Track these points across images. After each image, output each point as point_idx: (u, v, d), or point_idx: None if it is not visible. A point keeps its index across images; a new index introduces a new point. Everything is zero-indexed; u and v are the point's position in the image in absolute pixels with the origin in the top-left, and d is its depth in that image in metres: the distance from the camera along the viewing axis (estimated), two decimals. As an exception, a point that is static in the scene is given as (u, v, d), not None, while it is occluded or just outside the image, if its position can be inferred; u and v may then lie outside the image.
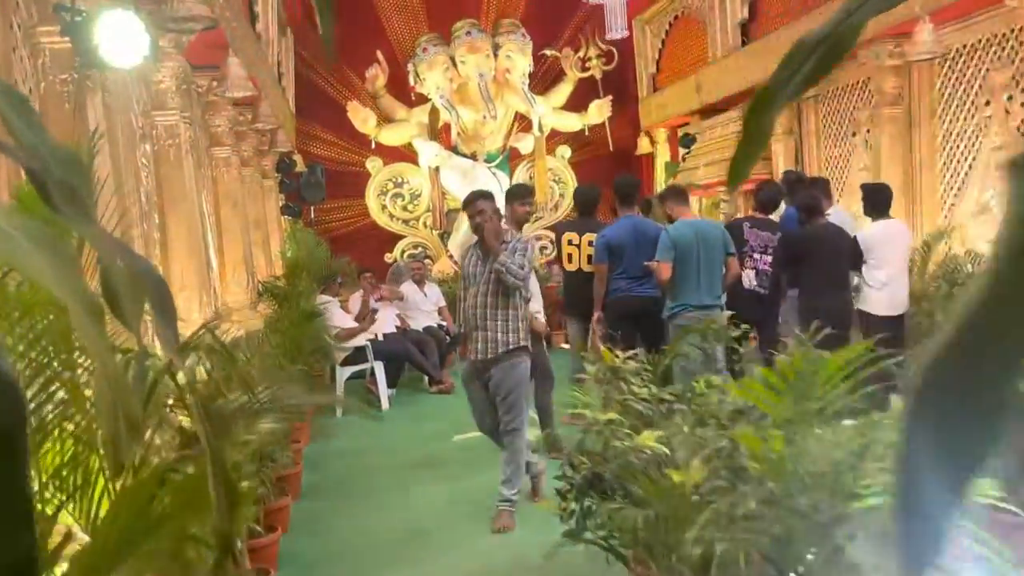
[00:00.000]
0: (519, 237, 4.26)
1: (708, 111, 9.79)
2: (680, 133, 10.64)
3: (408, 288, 8.62)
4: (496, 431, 4.50)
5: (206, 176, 6.59)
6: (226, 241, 6.58)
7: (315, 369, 7.74)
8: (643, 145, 11.50)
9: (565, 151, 11.71)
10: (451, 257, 11.26)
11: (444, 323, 8.58)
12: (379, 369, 7.15)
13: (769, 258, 5.81)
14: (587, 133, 11.58)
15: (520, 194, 5.39)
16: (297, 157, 10.81)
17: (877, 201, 5.61)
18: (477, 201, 4.28)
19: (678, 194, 5.65)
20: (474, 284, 4.22)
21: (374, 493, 5.08)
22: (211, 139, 6.57)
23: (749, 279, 5.81)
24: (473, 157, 11.43)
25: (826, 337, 5.19)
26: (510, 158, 11.67)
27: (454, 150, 11.44)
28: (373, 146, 11.27)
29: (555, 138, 11.88)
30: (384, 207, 11.42)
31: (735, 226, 5.81)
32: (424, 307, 8.60)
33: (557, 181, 11.66)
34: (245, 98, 6.53)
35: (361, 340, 7.14)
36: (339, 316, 7.15)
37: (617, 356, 2.48)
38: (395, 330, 7.90)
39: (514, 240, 4.22)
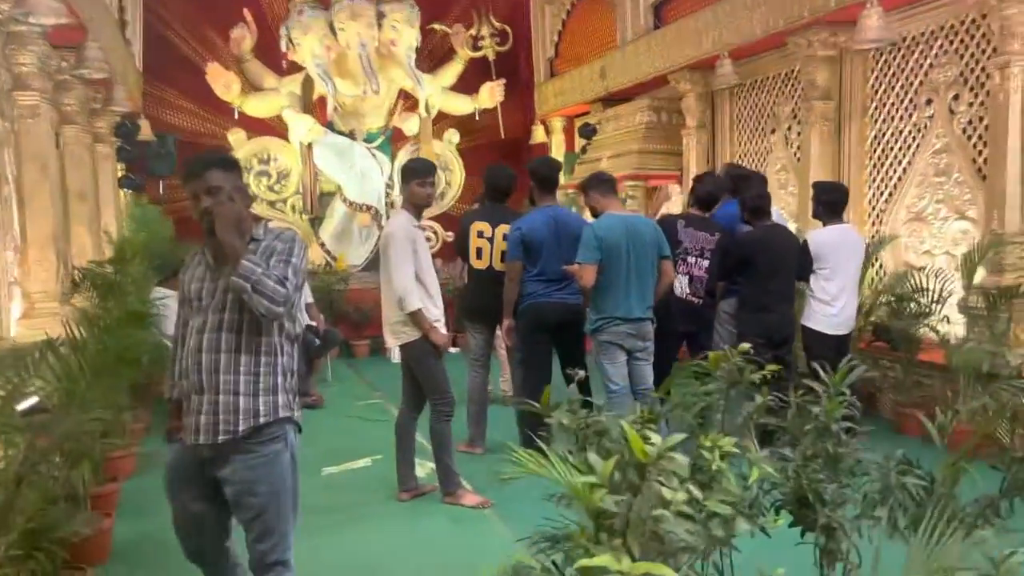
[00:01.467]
0: (279, 231, 2.56)
1: (613, 99, 8.87)
2: (579, 123, 9.69)
3: None
4: (219, 562, 2.62)
5: (4, 128, 4.98)
6: (30, 213, 5.00)
7: (152, 380, 6.22)
8: (538, 134, 10.46)
9: (453, 136, 10.50)
10: (324, 247, 9.84)
11: (313, 323, 7.21)
12: (231, 379, 5.72)
13: (706, 262, 4.87)
14: (477, 118, 10.42)
15: (420, 170, 4.16)
16: (144, 122, 9.07)
17: (831, 202, 4.78)
18: (208, 172, 2.37)
19: (603, 182, 4.59)
20: (198, 313, 2.39)
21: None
22: (14, 81, 4.97)
23: (682, 286, 4.85)
24: (351, 135, 10.04)
25: (765, 358, 4.23)
26: (392, 139, 10.35)
27: (330, 126, 10.00)
28: (236, 116, 9.65)
29: (443, 121, 10.64)
30: (247, 186, 9.85)
31: (668, 224, 4.83)
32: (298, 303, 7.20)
33: (444, 168, 10.43)
34: (64, 32, 4.99)
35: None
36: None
37: (648, 443, 1.35)
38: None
39: (269, 236, 2.47)
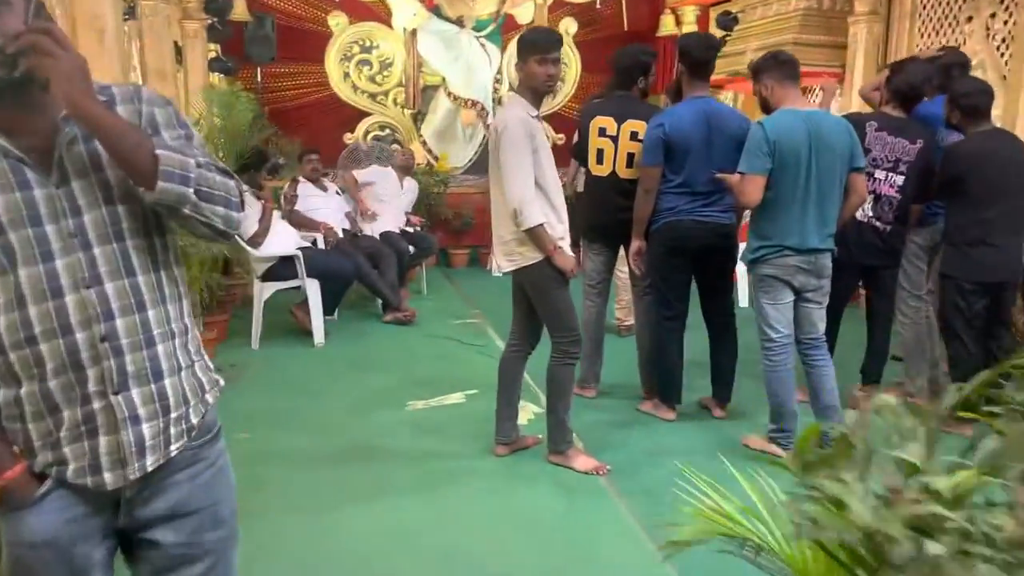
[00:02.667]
0: (128, 88, 1.27)
1: (762, -18, 7.39)
2: (716, 12, 8.24)
3: (381, 176, 6.30)
4: None
5: (57, -13, 4.19)
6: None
7: (228, 285, 5.58)
8: (667, 25, 9.04)
9: (571, 26, 9.22)
10: (425, 144, 8.93)
11: (409, 228, 6.37)
12: (312, 290, 4.95)
13: (900, 178, 3.68)
14: (599, 6, 9.10)
15: (542, 43, 3.09)
16: (240, 1, 8.24)
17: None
18: None
19: (782, 64, 3.38)
20: (46, 253, 1.18)
21: (267, 515, 2.94)
22: (69, -71, 4.12)
23: (864, 208, 3.68)
24: (459, 23, 8.94)
25: (975, 308, 3.08)
26: (504, 28, 9.17)
27: (436, 12, 8.92)
28: (337, -2, 8.69)
29: (560, 9, 9.36)
30: (347, 75, 8.92)
31: (855, 125, 3.61)
32: (395, 206, 6.33)
33: (558, 62, 9.23)
34: None
35: (291, 247, 4.93)
36: (254, 214, 4.89)
37: None
38: (342, 234, 5.68)
39: (124, 98, 1.24)
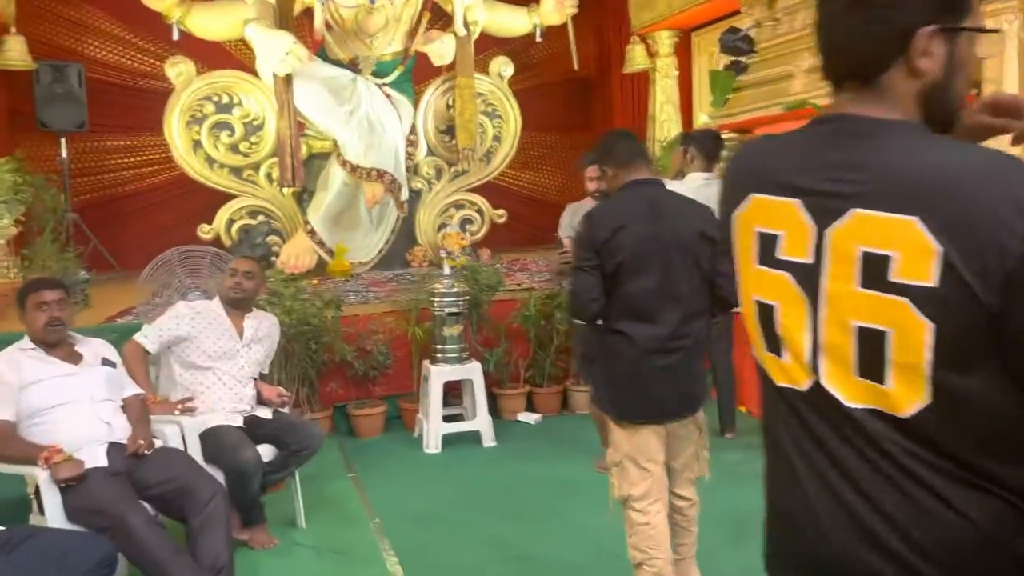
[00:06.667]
0: None
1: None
2: (699, 37, 5.71)
3: (201, 320, 3.23)
4: None
5: None
6: None
7: None
8: (636, 57, 6.43)
9: (504, 67, 6.50)
10: (312, 234, 5.96)
11: (265, 413, 3.28)
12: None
13: None
14: (540, 40, 6.46)
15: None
16: (17, 40, 5.21)
17: None
18: None
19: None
20: None
21: None
22: None
23: None
24: (353, 67, 6.12)
25: None
26: (415, 72, 6.41)
27: (321, 54, 6.10)
28: (176, 36, 5.69)
29: (489, 47, 6.72)
30: (198, 144, 5.86)
31: None
32: (231, 374, 3.19)
33: (491, 114, 6.48)
34: None
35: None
36: None
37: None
38: (105, 460, 2.58)
39: None
